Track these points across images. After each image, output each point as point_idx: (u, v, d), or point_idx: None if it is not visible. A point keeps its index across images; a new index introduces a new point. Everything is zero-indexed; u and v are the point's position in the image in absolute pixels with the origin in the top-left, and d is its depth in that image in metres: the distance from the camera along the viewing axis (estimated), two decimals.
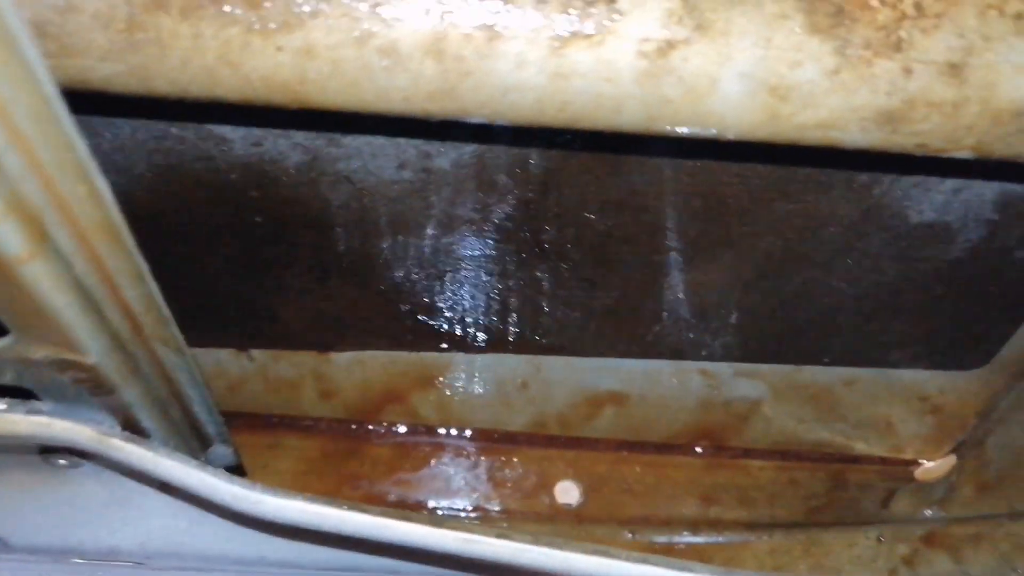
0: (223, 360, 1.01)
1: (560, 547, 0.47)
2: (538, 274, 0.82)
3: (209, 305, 0.93)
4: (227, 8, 0.41)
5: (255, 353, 1.00)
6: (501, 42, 0.42)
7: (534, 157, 0.70)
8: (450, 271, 0.84)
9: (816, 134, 0.45)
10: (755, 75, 0.43)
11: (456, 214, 0.76)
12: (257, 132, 0.70)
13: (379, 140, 0.70)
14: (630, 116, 0.45)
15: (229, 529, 0.63)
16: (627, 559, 0.46)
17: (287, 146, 0.71)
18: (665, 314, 0.86)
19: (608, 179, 0.71)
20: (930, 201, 0.70)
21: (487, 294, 0.87)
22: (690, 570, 0.46)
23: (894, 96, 0.43)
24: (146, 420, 0.55)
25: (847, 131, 0.44)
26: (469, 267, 0.83)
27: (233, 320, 0.96)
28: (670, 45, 0.42)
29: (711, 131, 0.45)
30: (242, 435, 1.07)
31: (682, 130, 0.46)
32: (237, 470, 0.83)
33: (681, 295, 0.83)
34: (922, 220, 0.72)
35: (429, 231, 0.78)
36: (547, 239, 0.78)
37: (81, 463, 0.59)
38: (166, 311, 0.47)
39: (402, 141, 0.70)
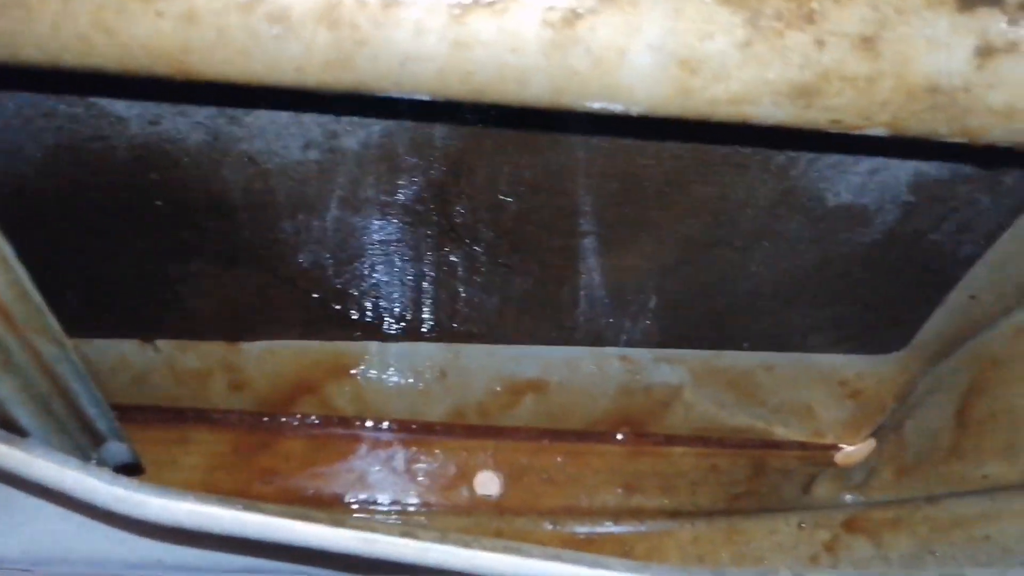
0: (127, 352, 0.97)
1: (466, 545, 0.45)
2: (453, 259, 0.80)
3: (110, 294, 0.89)
4: None
5: (161, 344, 0.96)
6: (398, 9, 0.40)
7: (446, 136, 0.68)
8: (361, 256, 0.81)
9: (729, 109, 0.43)
10: (665, 47, 0.41)
11: (366, 196, 0.73)
12: (154, 110, 0.66)
13: (283, 118, 0.67)
14: (537, 89, 0.42)
15: (121, 533, 0.60)
16: (536, 556, 0.44)
17: (186, 125, 0.67)
18: (584, 300, 0.85)
19: (523, 160, 0.69)
20: (847, 183, 0.69)
21: (400, 280, 0.84)
22: (603, 566, 0.45)
23: (807, 69, 0.42)
24: (24, 417, 0.51)
25: (760, 105, 0.43)
26: (380, 252, 0.80)
27: (136, 310, 0.91)
28: (576, 15, 0.40)
29: (621, 106, 0.43)
30: (149, 430, 1.02)
31: (593, 105, 0.44)
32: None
33: (599, 280, 0.82)
34: (839, 202, 0.71)
35: (338, 214, 0.74)
36: (461, 222, 0.75)
37: None
38: (38, 298, 0.43)
39: (307, 119, 0.67)
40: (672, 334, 0.90)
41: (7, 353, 0.44)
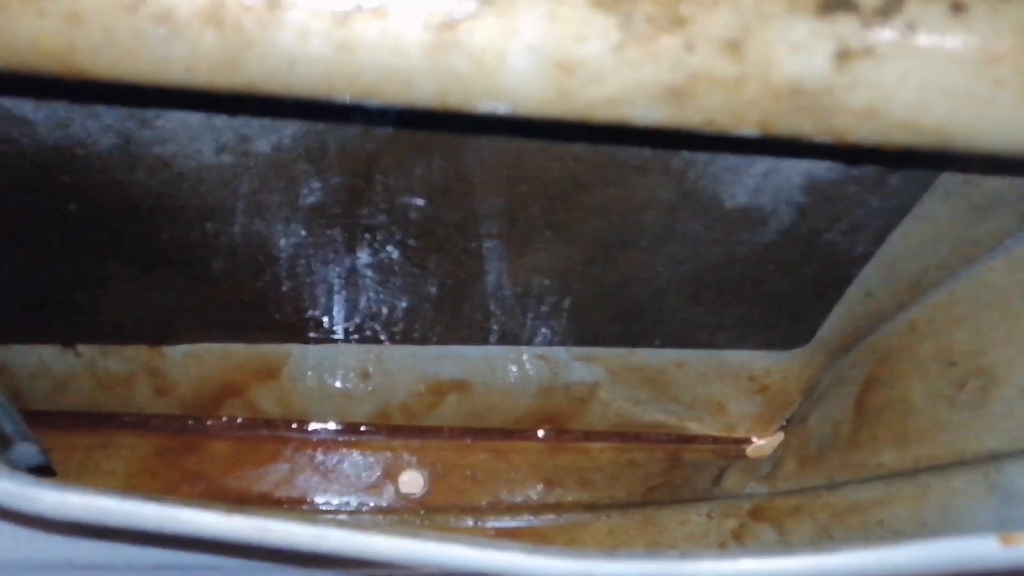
0: (47, 357, 0.96)
1: (362, 530, 0.46)
2: (367, 261, 0.81)
3: (28, 299, 0.88)
4: None
5: (82, 349, 0.96)
6: (283, 12, 0.41)
7: (358, 139, 0.69)
8: (278, 259, 0.82)
9: (607, 110, 0.46)
10: (542, 49, 0.43)
11: (279, 200, 0.74)
12: (62, 112, 0.66)
13: (195, 121, 0.68)
14: (422, 90, 0.44)
15: (28, 532, 0.60)
16: (426, 539, 0.45)
17: (97, 128, 0.67)
18: (498, 300, 0.87)
19: (433, 162, 0.71)
20: (742, 185, 0.72)
21: (317, 283, 0.85)
22: (494, 547, 0.46)
23: (678, 72, 0.44)
24: None
25: (636, 107, 0.45)
26: (297, 255, 0.81)
27: (55, 315, 0.91)
28: (455, 19, 0.42)
29: (505, 107, 0.45)
30: (71, 435, 1.02)
31: (480, 106, 0.46)
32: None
33: (513, 280, 0.84)
34: (736, 204, 0.74)
35: (252, 218, 0.75)
36: (374, 224, 0.77)
37: None
38: None
39: (219, 123, 0.68)
40: (586, 333, 0.92)
41: None
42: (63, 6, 0.40)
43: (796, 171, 0.71)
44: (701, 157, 0.69)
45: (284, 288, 0.87)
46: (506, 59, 0.43)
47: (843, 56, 0.44)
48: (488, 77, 0.44)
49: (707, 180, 0.71)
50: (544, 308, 0.88)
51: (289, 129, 0.67)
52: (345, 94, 0.45)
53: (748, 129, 0.47)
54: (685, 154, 0.69)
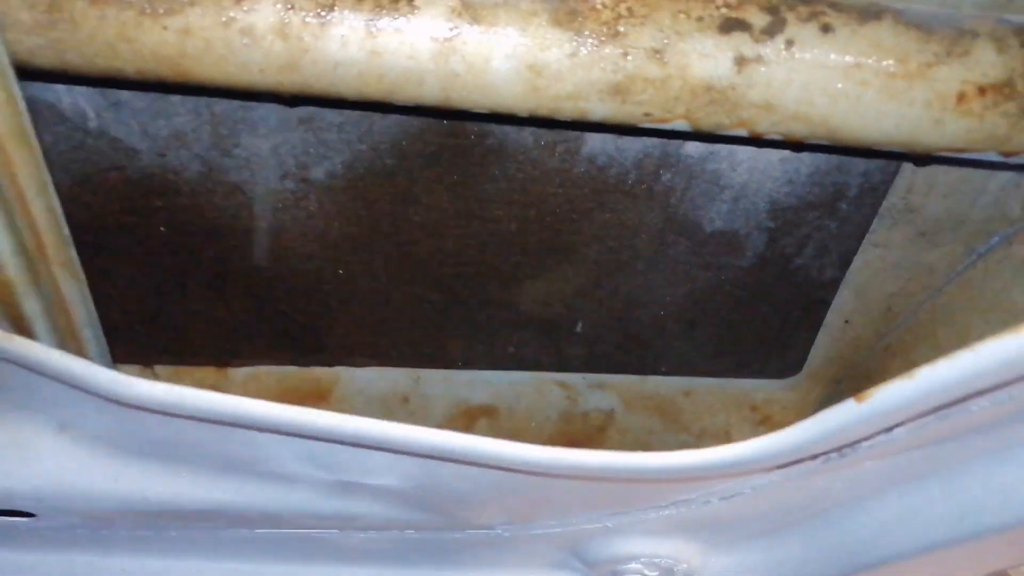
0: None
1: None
2: (408, 287, 0.96)
3: (116, 319, 1.04)
4: None
5: (159, 369, 1.11)
6: (330, 26, 0.58)
7: (398, 175, 0.85)
8: (331, 283, 0.97)
9: (568, 104, 0.61)
10: (516, 55, 0.59)
11: (330, 223, 0.90)
12: (160, 143, 0.84)
13: (264, 149, 0.84)
14: (430, 88, 0.60)
15: (115, 469, 0.74)
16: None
17: (187, 156, 0.85)
18: (518, 322, 1.00)
19: (460, 191, 0.86)
20: (717, 209, 0.86)
21: (365, 307, 1.00)
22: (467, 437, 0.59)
23: (618, 73, 0.59)
24: (44, 341, 0.66)
25: (590, 101, 0.60)
26: (346, 280, 0.96)
27: (140, 336, 1.06)
28: (453, 32, 0.58)
29: (492, 101, 0.61)
30: None
31: (475, 100, 0.62)
32: None
33: (530, 301, 0.97)
34: (714, 228, 0.88)
35: (309, 241, 0.91)
36: (416, 252, 0.92)
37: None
38: (67, 231, 0.59)
39: (283, 151, 0.84)
40: (598, 359, 1.05)
41: (39, 281, 0.60)
42: (179, 23, 0.57)
43: (761, 195, 0.85)
44: (679, 183, 0.84)
45: (335, 312, 1.01)
46: (490, 63, 0.59)
47: (740, 62, 0.59)
48: (479, 77, 0.60)
49: (686, 204, 0.85)
50: (558, 330, 1.01)
51: (340, 158, 0.84)
52: (375, 92, 0.61)
53: (679, 122, 0.62)
54: (665, 179, 0.83)
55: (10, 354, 0.57)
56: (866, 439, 0.54)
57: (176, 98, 0.76)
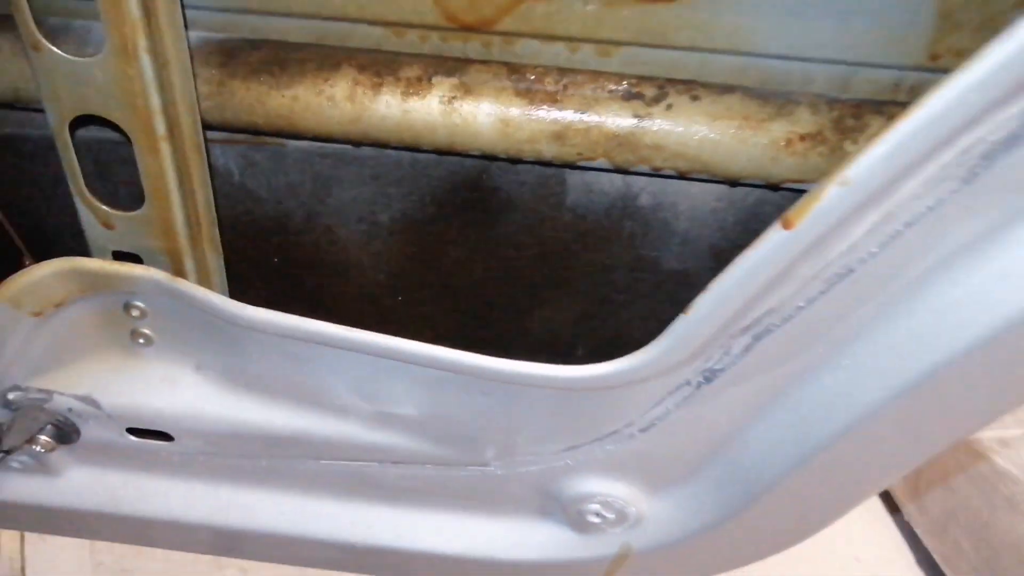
0: None
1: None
2: (447, 312, 1.29)
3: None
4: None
5: None
6: (379, 95, 0.95)
7: (438, 221, 1.20)
8: (391, 309, 1.31)
9: (527, 146, 0.95)
10: (493, 113, 0.94)
11: (392, 262, 1.25)
12: (278, 193, 1.22)
13: (345, 199, 1.21)
14: (441, 136, 0.96)
15: (230, 401, 1.07)
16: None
17: (295, 204, 1.22)
18: (531, 347, 1.31)
19: (482, 234, 1.21)
20: (670, 252, 1.17)
21: (416, 329, 1.33)
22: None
23: (557, 125, 0.94)
24: None
25: (540, 144, 0.95)
26: (403, 306, 1.30)
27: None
28: (453, 97, 0.94)
29: (480, 144, 0.96)
30: None
31: (471, 148, 0.97)
32: None
33: (538, 329, 1.29)
34: (671, 267, 1.18)
35: (378, 273, 1.27)
36: (453, 283, 1.26)
37: (153, 342, 1.05)
38: (215, 215, 0.96)
39: (359, 201, 1.21)
40: None
41: (194, 246, 0.97)
42: (291, 93, 0.95)
43: (701, 241, 1.16)
44: (638, 229, 1.15)
45: (393, 333, 1.35)
46: (477, 117, 0.95)
47: (638, 118, 0.93)
48: (470, 127, 0.95)
49: (646, 247, 1.17)
50: (564, 353, 1.31)
51: (398, 206, 1.20)
52: (407, 138, 0.97)
53: (601, 160, 0.95)
54: (627, 226, 1.16)
55: (175, 291, 0.93)
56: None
57: (290, 160, 1.14)
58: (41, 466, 1.18)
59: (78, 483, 1.21)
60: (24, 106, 0.99)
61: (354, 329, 0.92)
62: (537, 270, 1.23)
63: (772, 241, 0.72)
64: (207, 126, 0.98)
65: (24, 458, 1.16)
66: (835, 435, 0.89)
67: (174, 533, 1.23)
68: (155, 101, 0.80)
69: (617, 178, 1.08)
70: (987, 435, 2.56)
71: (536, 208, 1.15)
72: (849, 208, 0.68)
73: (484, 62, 0.96)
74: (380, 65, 0.96)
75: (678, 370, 0.89)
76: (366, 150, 1.09)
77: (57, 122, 0.83)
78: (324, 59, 0.96)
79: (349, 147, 1.09)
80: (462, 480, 1.11)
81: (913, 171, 0.65)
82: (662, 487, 1.07)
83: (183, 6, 0.83)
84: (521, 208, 1.16)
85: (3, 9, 0.84)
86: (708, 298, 0.80)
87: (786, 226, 0.70)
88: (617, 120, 0.93)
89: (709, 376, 0.90)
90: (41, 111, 0.85)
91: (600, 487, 1.07)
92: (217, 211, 1.00)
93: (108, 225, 0.92)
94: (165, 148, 0.84)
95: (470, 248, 1.22)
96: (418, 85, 0.95)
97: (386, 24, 0.98)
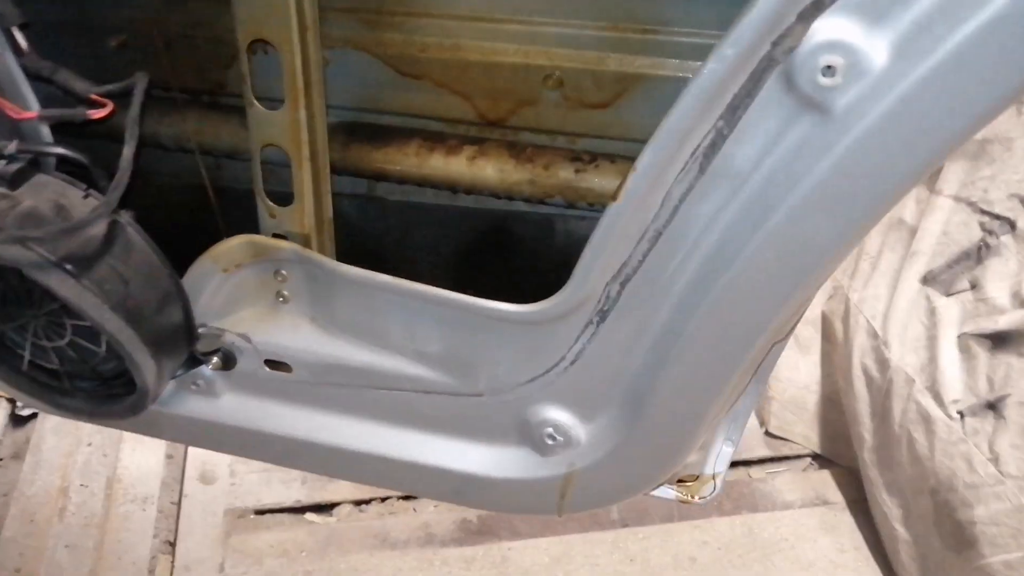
0: None
1: None
2: None
3: None
4: None
5: None
6: (433, 155, 1.65)
7: (485, 251, 1.86)
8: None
9: (516, 187, 1.62)
10: (496, 166, 1.62)
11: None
12: (395, 234, 1.91)
13: (432, 237, 1.89)
14: (468, 179, 1.64)
15: (329, 341, 1.72)
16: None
17: (398, 238, 1.91)
18: None
19: (509, 256, 1.85)
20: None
21: None
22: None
23: (532, 175, 1.60)
24: None
25: (522, 185, 1.61)
26: None
27: None
28: (472, 159, 1.63)
29: (490, 186, 1.63)
30: None
31: (487, 188, 1.64)
32: None
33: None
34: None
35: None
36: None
37: (288, 300, 1.72)
38: (331, 216, 1.66)
39: (440, 238, 1.88)
40: None
41: (309, 244, 1.66)
42: (383, 151, 1.66)
43: None
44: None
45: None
46: (486, 169, 1.62)
47: (577, 172, 1.58)
48: (482, 173, 1.63)
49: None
50: None
51: (455, 241, 1.86)
52: (454, 179, 1.65)
53: (558, 197, 1.60)
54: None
55: (305, 257, 1.61)
56: None
57: (384, 207, 1.84)
58: (207, 388, 1.85)
59: (229, 404, 1.87)
60: (236, 157, 1.75)
61: (406, 280, 1.57)
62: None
63: (610, 210, 1.33)
64: (335, 169, 1.69)
65: (200, 380, 1.83)
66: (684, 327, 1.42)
67: (284, 447, 1.86)
68: (305, 136, 1.51)
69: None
70: (994, 560, 2.83)
71: (535, 238, 1.79)
72: (643, 186, 1.29)
73: (495, 140, 1.65)
74: (435, 139, 1.66)
75: (582, 309, 1.47)
76: (431, 200, 1.78)
77: (254, 149, 1.55)
78: (404, 134, 1.68)
79: (423, 200, 1.79)
80: (466, 408, 1.69)
81: (671, 163, 1.26)
82: (590, 414, 1.62)
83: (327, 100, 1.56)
84: (526, 239, 1.80)
85: (235, 88, 1.59)
86: (584, 257, 1.40)
87: (614, 199, 1.32)
88: (564, 173, 1.58)
89: (602, 315, 1.47)
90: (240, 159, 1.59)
91: (551, 414, 1.63)
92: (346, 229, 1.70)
93: (272, 215, 1.63)
94: (307, 166, 1.55)
95: (503, 264, 1.87)
96: (456, 149, 1.64)
97: (442, 120, 1.70)
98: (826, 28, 1.08)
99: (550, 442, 1.65)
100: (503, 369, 1.61)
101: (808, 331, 3.56)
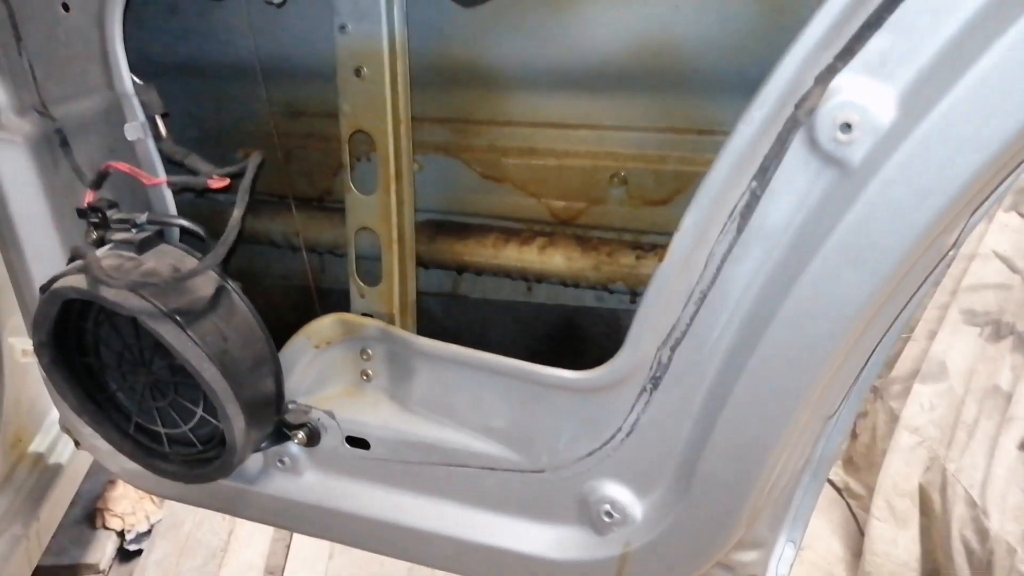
0: None
1: None
2: None
3: None
4: None
5: None
6: (506, 249, 1.82)
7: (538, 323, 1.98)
8: None
9: (580, 274, 1.76)
10: (565, 260, 1.77)
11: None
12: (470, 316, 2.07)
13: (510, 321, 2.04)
14: (538, 265, 1.79)
15: (405, 418, 1.84)
16: None
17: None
18: None
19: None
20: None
21: None
22: None
23: (597, 263, 1.75)
24: None
25: (587, 272, 1.75)
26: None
27: None
28: (543, 248, 1.79)
29: (560, 272, 1.78)
30: None
31: (556, 276, 1.79)
32: None
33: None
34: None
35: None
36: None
37: (371, 379, 1.86)
38: (415, 297, 1.82)
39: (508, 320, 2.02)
40: None
41: (393, 322, 1.81)
42: (463, 243, 1.84)
43: None
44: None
45: None
46: (555, 257, 1.78)
47: (638, 259, 1.72)
48: (548, 260, 1.78)
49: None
50: None
51: (525, 318, 1.99)
52: (526, 270, 1.81)
53: (619, 283, 1.73)
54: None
55: (388, 333, 1.78)
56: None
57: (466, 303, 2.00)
58: (292, 465, 1.97)
59: (310, 482, 1.98)
60: (337, 252, 1.96)
61: (475, 350, 1.70)
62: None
63: (658, 272, 1.45)
64: (423, 260, 1.88)
65: (286, 457, 1.97)
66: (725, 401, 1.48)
67: (360, 527, 1.94)
68: (394, 219, 1.71)
69: None
70: None
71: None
72: (687, 246, 1.41)
73: (564, 233, 1.81)
74: (511, 232, 1.84)
75: (635, 377, 1.56)
76: (508, 296, 1.93)
77: (350, 232, 1.76)
78: (483, 229, 1.86)
79: (500, 298, 1.94)
80: (529, 486, 1.76)
81: (711, 223, 1.38)
82: (645, 488, 1.66)
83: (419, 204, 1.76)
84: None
85: (340, 195, 1.82)
86: (637, 321, 1.51)
87: (660, 260, 1.44)
88: (625, 259, 1.72)
89: (655, 382, 1.55)
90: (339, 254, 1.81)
91: (609, 491, 1.68)
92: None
93: (361, 295, 1.81)
94: (395, 248, 1.73)
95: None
96: (528, 240, 1.81)
97: (519, 220, 1.88)
98: (841, 88, 1.21)
99: (607, 519, 1.69)
100: (563, 443, 1.69)
101: (905, 504, 3.48)
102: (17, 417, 2.43)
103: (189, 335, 1.59)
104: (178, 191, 1.73)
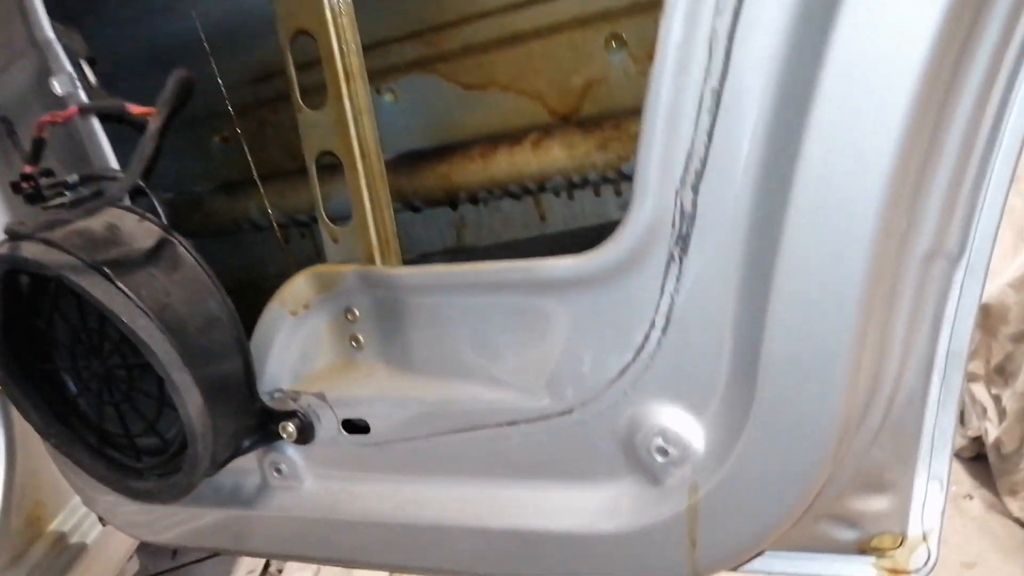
0: None
1: None
2: None
3: None
4: None
5: None
6: (500, 149, 1.49)
7: None
8: None
9: (586, 159, 1.41)
10: (565, 142, 1.43)
11: None
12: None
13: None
14: (535, 165, 1.45)
15: (406, 383, 1.48)
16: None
17: None
18: None
19: None
20: None
21: None
22: None
23: (600, 139, 1.39)
24: None
25: (592, 155, 1.40)
26: None
27: None
28: (537, 143, 1.45)
29: (559, 165, 1.43)
30: None
31: (553, 170, 1.44)
32: None
33: None
34: None
35: None
36: None
37: (362, 346, 1.52)
38: (395, 229, 1.50)
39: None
40: None
41: (373, 263, 1.49)
42: (447, 161, 1.53)
43: None
44: None
45: None
46: (552, 149, 1.43)
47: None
48: (548, 154, 1.44)
49: None
50: None
51: None
52: (513, 172, 1.47)
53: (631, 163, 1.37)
54: None
55: (366, 274, 1.45)
56: None
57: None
58: (290, 473, 1.62)
59: (313, 492, 1.62)
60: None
61: (466, 263, 1.35)
62: None
63: (652, 77, 1.10)
64: (408, 200, 1.57)
65: (282, 465, 1.62)
66: None
67: (374, 536, 1.56)
68: (352, 132, 1.41)
69: None
70: None
71: None
72: (679, 28, 1.06)
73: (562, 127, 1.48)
74: (497, 139, 1.52)
75: (655, 241, 1.17)
76: (520, 234, 1.58)
77: (309, 161, 1.47)
78: (466, 144, 1.54)
79: (513, 237, 1.60)
80: (559, 436, 1.35)
81: None
82: (700, 400, 1.22)
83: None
84: None
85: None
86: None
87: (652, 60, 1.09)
88: (634, 127, 1.36)
89: (683, 243, 1.16)
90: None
91: (656, 417, 1.26)
92: None
93: (334, 238, 1.50)
94: (359, 167, 1.43)
95: None
96: (518, 139, 1.48)
97: (515, 130, 1.55)
98: None
99: (661, 459, 1.27)
100: (587, 366, 1.30)
101: None
102: (35, 492, 2.18)
103: (118, 285, 1.31)
104: (103, 119, 1.50)
